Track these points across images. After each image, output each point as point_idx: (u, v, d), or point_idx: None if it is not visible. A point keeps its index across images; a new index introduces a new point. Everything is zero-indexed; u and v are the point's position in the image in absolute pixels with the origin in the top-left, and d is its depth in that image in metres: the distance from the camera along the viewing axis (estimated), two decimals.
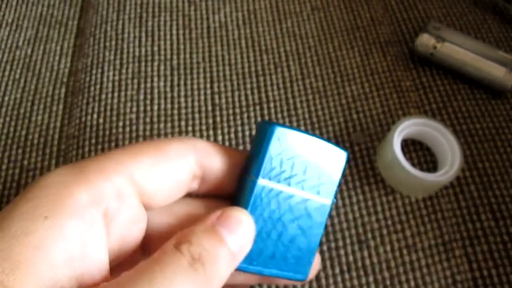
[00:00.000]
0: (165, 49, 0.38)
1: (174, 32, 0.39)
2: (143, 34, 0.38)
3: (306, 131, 0.21)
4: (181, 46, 0.38)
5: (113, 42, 0.38)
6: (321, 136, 0.33)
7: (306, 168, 0.20)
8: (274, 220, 0.20)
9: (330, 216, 0.21)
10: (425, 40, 0.35)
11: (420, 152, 0.33)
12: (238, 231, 0.18)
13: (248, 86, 0.36)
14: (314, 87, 0.36)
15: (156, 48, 0.38)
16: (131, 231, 0.18)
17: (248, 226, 0.19)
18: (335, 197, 0.22)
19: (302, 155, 0.20)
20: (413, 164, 0.32)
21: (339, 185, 0.21)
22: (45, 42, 0.38)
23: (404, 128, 0.31)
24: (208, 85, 0.36)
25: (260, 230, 0.20)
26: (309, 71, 0.37)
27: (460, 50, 0.35)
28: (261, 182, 0.20)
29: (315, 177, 0.21)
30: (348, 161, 0.21)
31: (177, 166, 0.19)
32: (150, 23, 0.39)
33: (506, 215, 0.30)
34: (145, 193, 0.18)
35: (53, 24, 0.40)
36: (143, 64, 0.37)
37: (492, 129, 0.34)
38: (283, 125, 0.20)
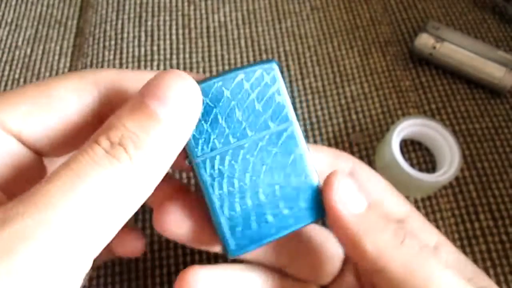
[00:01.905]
0: (164, 49, 0.38)
1: (174, 31, 0.39)
2: (143, 34, 0.38)
3: (217, 76, 0.18)
4: (181, 46, 0.38)
5: (113, 42, 0.38)
6: (320, 135, 0.34)
7: (238, 110, 0.18)
8: (244, 183, 0.18)
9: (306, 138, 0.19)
10: (425, 40, 0.35)
11: (419, 152, 0.33)
12: (171, 98, 0.15)
13: None
14: (314, 87, 0.36)
15: (155, 48, 0.38)
16: (20, 173, 0.17)
17: (184, 89, 0.16)
18: (296, 115, 0.19)
19: (224, 102, 0.18)
20: (412, 165, 0.32)
21: (292, 101, 0.18)
22: (44, 41, 0.38)
23: (403, 129, 0.31)
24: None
25: (236, 202, 0.18)
26: (309, 71, 0.37)
27: (460, 50, 0.35)
28: (200, 156, 0.18)
29: (257, 111, 0.18)
30: (282, 71, 0.18)
31: (66, 110, 0.17)
32: (149, 23, 0.39)
33: (504, 215, 0.30)
34: (29, 140, 0.17)
35: (53, 23, 0.40)
36: (142, 63, 0.37)
37: (491, 129, 0.34)
38: None
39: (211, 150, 0.18)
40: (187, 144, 0.18)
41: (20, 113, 0.16)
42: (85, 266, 0.14)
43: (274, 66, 0.18)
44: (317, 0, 0.41)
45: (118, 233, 0.23)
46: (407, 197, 0.31)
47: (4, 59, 0.37)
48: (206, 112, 0.18)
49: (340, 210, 0.18)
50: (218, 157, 0.18)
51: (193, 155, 0.18)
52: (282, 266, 0.22)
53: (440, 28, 0.36)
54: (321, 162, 0.21)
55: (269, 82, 0.18)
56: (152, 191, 0.16)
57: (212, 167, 0.18)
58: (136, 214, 0.30)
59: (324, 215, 0.19)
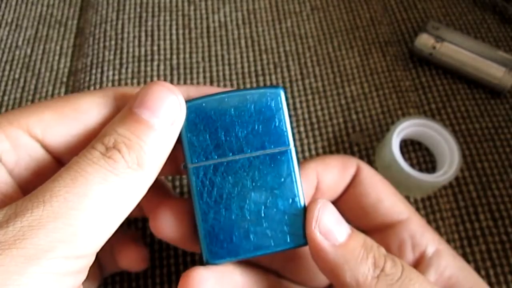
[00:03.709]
0: (164, 49, 0.38)
1: (174, 31, 0.39)
2: (143, 34, 0.38)
3: (225, 92, 0.19)
4: (181, 46, 0.38)
5: (113, 42, 0.38)
6: (321, 135, 0.34)
7: (238, 127, 0.19)
8: (232, 196, 0.19)
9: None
10: (425, 40, 0.35)
11: (419, 153, 0.33)
12: (158, 106, 0.17)
13: (248, 86, 0.36)
14: (314, 87, 0.36)
15: (155, 48, 0.38)
16: (40, 176, 0.18)
17: (167, 98, 0.17)
18: (294, 140, 0.20)
19: (227, 118, 0.19)
20: (412, 165, 0.32)
21: (292, 127, 0.20)
22: (44, 41, 0.38)
23: (403, 129, 0.31)
24: (208, 85, 0.36)
25: (221, 213, 0.19)
26: (309, 71, 0.37)
27: (460, 50, 0.35)
28: (195, 163, 0.19)
29: (256, 131, 0.19)
30: (287, 97, 0.19)
31: (88, 121, 0.18)
32: (149, 23, 0.39)
33: (504, 215, 0.30)
34: (51, 147, 0.18)
35: (53, 23, 0.40)
36: (142, 63, 0.37)
37: (491, 129, 0.34)
38: (193, 99, 0.19)
39: (207, 159, 0.19)
40: (184, 150, 0.19)
41: (45, 121, 0.18)
42: (89, 257, 0.16)
43: (280, 92, 0.19)
44: (317, 0, 0.41)
45: (123, 248, 0.24)
46: (407, 197, 0.31)
47: (4, 59, 0.37)
48: (209, 124, 0.19)
49: (320, 241, 0.18)
50: (212, 167, 0.19)
51: (189, 161, 0.19)
52: (277, 269, 0.23)
53: (440, 28, 0.36)
54: (332, 171, 0.22)
55: (273, 106, 0.19)
56: (147, 188, 0.17)
57: (205, 175, 0.19)
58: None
59: (307, 243, 0.19)
